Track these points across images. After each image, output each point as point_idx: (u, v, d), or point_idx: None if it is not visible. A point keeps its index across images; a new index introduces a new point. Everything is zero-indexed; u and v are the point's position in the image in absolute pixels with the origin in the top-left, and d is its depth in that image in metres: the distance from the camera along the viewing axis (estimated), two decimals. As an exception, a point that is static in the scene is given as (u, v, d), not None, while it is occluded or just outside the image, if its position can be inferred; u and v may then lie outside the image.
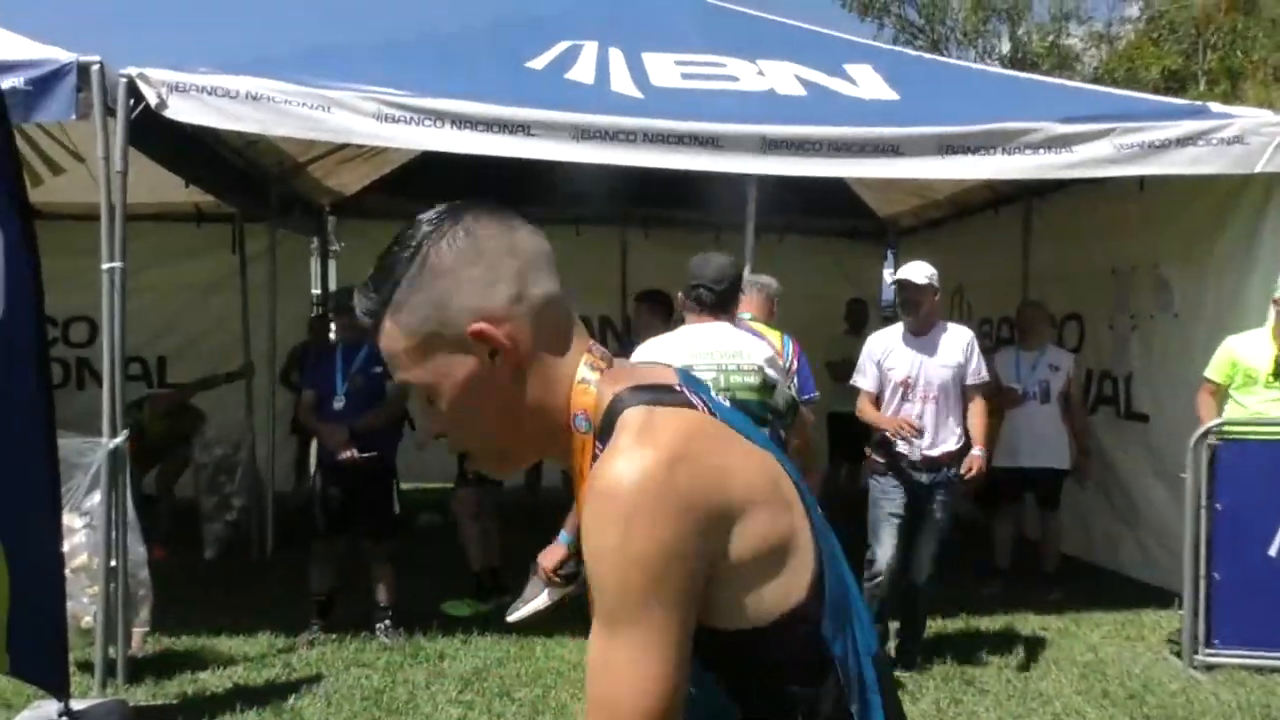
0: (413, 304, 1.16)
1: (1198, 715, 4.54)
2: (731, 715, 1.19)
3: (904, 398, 4.95)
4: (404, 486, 7.39)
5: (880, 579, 4.91)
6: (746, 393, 3.52)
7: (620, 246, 9.75)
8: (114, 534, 4.53)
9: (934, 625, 5.77)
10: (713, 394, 1.23)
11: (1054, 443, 6.31)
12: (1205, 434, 5.12)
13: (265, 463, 7.40)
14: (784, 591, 1.13)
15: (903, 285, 4.94)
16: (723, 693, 1.17)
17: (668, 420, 1.11)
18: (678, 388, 1.17)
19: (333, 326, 6.60)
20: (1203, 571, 5.14)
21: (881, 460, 4.95)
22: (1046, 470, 6.36)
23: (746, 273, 4.57)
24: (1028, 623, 5.90)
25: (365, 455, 5.34)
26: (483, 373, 1.16)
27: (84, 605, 4.51)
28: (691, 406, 1.14)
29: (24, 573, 3.87)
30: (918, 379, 4.92)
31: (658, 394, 1.15)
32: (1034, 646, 5.50)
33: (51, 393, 4.10)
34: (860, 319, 8.48)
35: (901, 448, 4.88)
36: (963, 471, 4.97)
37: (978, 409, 5.12)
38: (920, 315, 4.93)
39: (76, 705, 4.12)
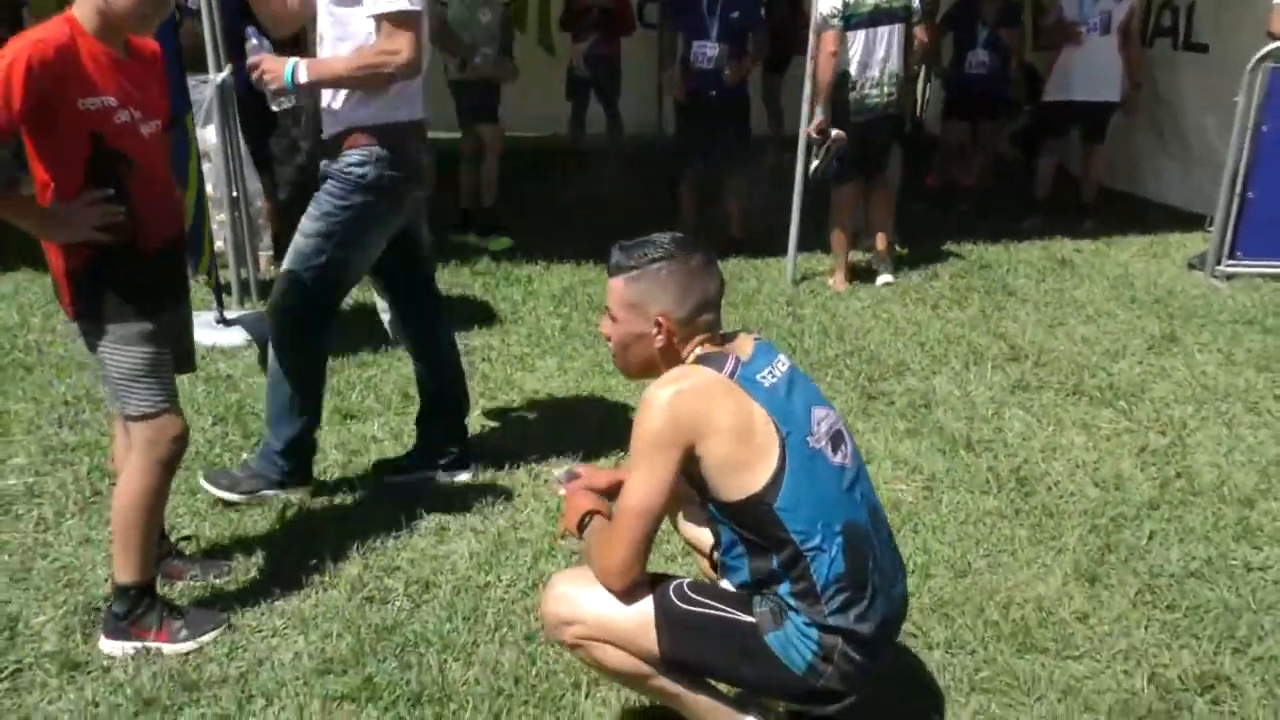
0: (637, 285, 1.99)
1: (1216, 313, 5.11)
2: (744, 564, 1.96)
3: None
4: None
5: None
6: (897, 2, 5.31)
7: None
8: (230, 165, 4.85)
9: (974, 249, 6.28)
10: (758, 376, 1.93)
11: (1110, 75, 6.43)
12: (1264, 57, 5.27)
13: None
14: (743, 485, 1.88)
15: None
16: (740, 539, 1.94)
17: (687, 373, 1.93)
18: (717, 360, 1.94)
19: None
20: (1238, 190, 5.52)
21: None
22: (1099, 104, 6.53)
23: None
24: (1063, 246, 6.39)
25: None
26: (646, 336, 2.00)
27: (214, 232, 4.93)
28: (718, 370, 1.91)
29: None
30: None
31: (704, 360, 1.95)
32: (1069, 265, 6.02)
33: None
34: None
35: None
36: None
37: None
38: None
39: (229, 315, 4.68)
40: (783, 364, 2.00)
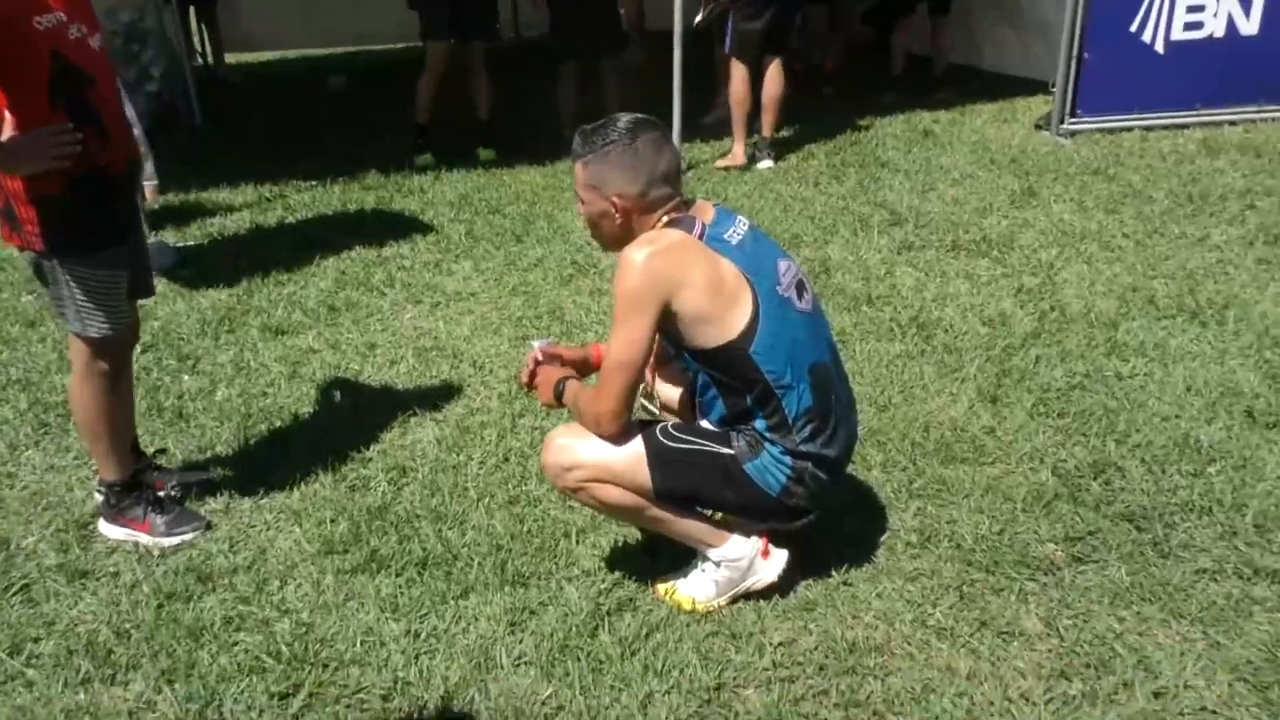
0: (592, 168, 2.15)
1: (1065, 167, 5.60)
2: (719, 403, 2.20)
3: None
4: (315, 52, 7.20)
5: None
6: None
7: None
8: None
9: (843, 127, 6.62)
10: (724, 235, 2.14)
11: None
12: (1093, -74, 5.69)
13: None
14: (718, 334, 2.09)
15: None
16: (713, 381, 2.18)
17: (659, 235, 2.12)
18: (685, 223, 2.13)
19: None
20: (1074, 53, 6.00)
21: None
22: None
23: None
24: (922, 119, 6.79)
25: None
26: (608, 214, 2.18)
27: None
28: (687, 232, 2.11)
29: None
30: None
31: (672, 225, 2.13)
32: (930, 134, 6.42)
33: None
34: None
35: None
36: None
37: None
38: None
39: (125, 247, 4.56)
40: (743, 224, 2.21)
